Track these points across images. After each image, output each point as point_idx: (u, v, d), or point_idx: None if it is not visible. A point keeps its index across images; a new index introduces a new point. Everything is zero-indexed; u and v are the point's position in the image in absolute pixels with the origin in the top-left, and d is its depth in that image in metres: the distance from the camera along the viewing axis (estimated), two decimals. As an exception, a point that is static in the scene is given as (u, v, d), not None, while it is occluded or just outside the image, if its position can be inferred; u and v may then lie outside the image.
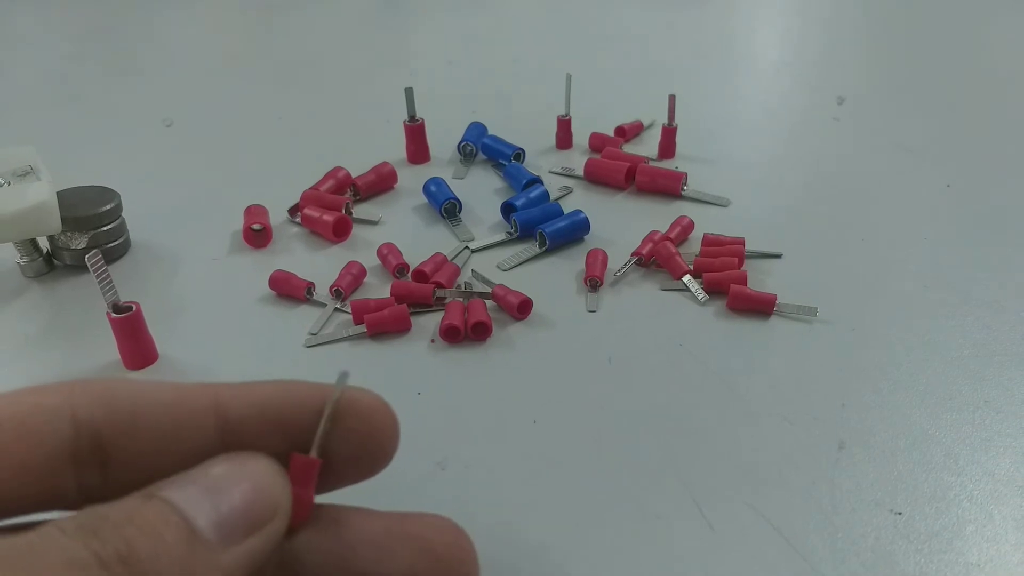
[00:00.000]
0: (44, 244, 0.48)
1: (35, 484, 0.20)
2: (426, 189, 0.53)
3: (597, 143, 0.59)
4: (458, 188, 0.54)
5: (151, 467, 0.20)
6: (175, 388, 0.22)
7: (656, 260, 0.46)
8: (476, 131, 0.60)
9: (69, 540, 0.17)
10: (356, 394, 0.23)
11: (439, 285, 0.44)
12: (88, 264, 0.36)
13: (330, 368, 0.39)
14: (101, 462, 0.21)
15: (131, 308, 0.39)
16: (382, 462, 0.24)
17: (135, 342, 0.39)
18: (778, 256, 0.47)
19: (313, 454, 0.22)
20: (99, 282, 0.37)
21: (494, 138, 0.59)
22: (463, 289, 0.44)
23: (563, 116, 0.60)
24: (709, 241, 0.47)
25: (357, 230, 0.51)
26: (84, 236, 0.47)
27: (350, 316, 0.42)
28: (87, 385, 0.21)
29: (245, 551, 0.20)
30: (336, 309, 0.43)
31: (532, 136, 0.60)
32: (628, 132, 0.61)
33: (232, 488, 0.20)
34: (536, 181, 0.53)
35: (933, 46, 0.81)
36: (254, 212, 0.51)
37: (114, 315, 0.38)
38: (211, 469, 0.20)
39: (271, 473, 0.21)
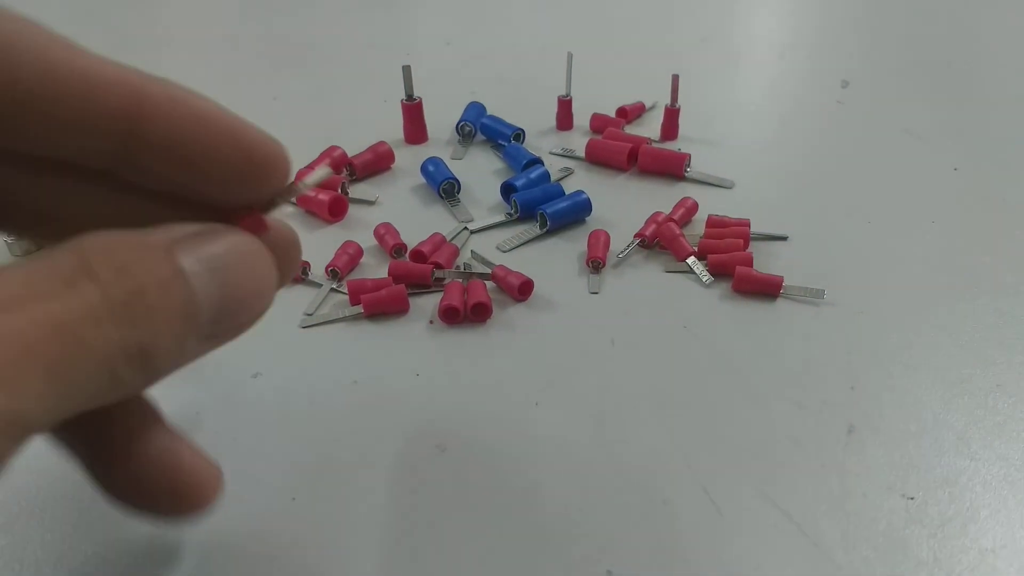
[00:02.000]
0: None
1: None
2: (424, 169, 0.52)
3: (598, 124, 0.58)
4: (457, 168, 0.53)
5: (49, 137, 0.20)
6: (88, 60, 0.20)
7: (660, 241, 0.45)
8: (474, 111, 0.58)
9: (105, 324, 0.18)
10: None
11: (438, 265, 0.43)
12: None
13: (327, 349, 0.39)
14: None
15: None
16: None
17: None
18: (784, 238, 0.46)
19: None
20: None
21: (493, 118, 0.57)
22: (462, 270, 0.43)
23: (564, 96, 0.58)
24: (713, 223, 0.46)
25: (353, 210, 0.50)
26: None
27: (346, 296, 0.41)
28: None
29: (212, 347, 0.21)
30: (332, 289, 0.42)
31: (532, 116, 0.59)
32: (630, 113, 0.60)
33: (244, 295, 0.21)
34: (536, 162, 0.52)
35: (938, 29, 0.80)
36: (248, 191, 0.49)
37: None
38: (228, 255, 0.21)
39: (273, 279, 0.22)
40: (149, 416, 0.23)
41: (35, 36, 0.20)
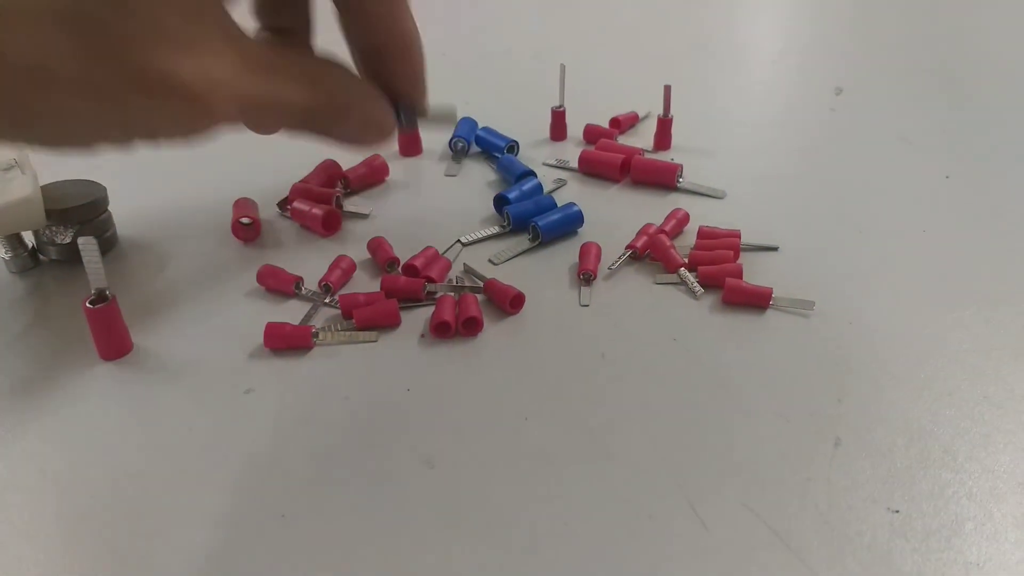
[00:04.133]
0: (29, 239, 0.47)
1: None
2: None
3: (592, 135, 0.59)
4: (451, 182, 0.54)
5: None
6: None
7: (651, 253, 0.45)
8: (466, 127, 0.59)
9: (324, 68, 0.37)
10: None
11: (430, 279, 0.43)
12: (80, 247, 0.36)
13: (318, 365, 0.39)
14: None
15: (107, 298, 0.38)
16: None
17: (109, 332, 0.39)
18: (774, 249, 0.46)
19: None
20: (89, 267, 0.37)
21: (488, 130, 0.58)
22: (454, 283, 0.44)
23: (557, 107, 0.59)
24: (704, 234, 0.46)
25: (347, 224, 0.50)
26: (70, 231, 0.46)
27: (339, 311, 0.42)
28: None
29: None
30: (325, 304, 0.43)
31: (526, 127, 0.59)
32: (623, 123, 0.60)
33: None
34: (530, 174, 0.53)
35: (931, 36, 0.80)
36: (243, 205, 0.50)
37: (90, 307, 0.38)
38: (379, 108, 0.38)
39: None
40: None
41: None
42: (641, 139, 0.59)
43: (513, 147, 0.57)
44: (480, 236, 0.48)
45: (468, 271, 0.45)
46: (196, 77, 0.28)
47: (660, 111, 0.57)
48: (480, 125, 0.59)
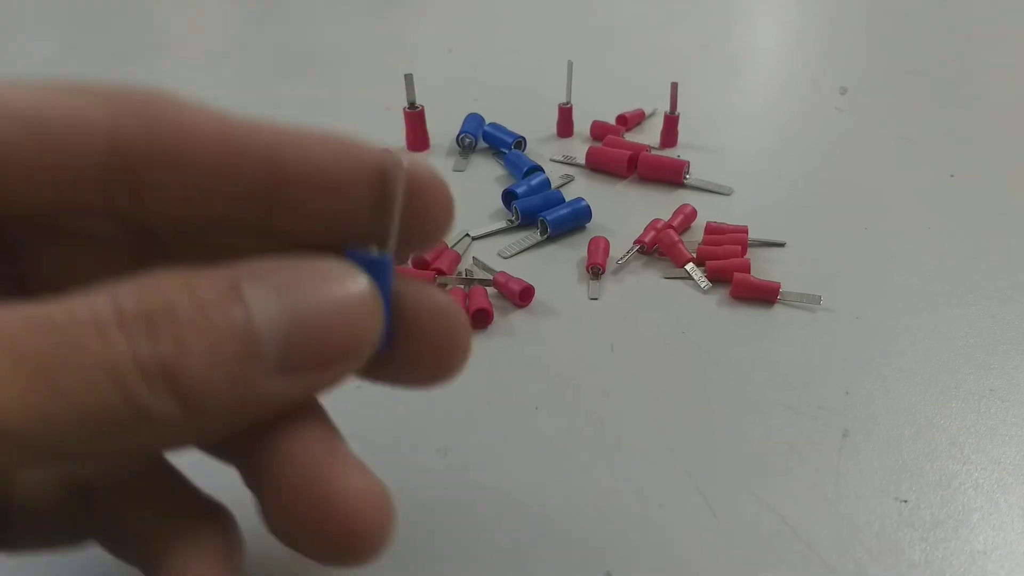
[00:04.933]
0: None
1: (55, 195, 0.18)
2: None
3: (598, 131, 0.59)
4: (458, 177, 0.54)
5: (188, 203, 0.19)
6: (225, 124, 0.19)
7: (659, 248, 0.46)
8: (473, 123, 0.59)
9: (111, 331, 0.15)
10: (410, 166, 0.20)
11: (440, 272, 0.43)
12: None
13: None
14: (133, 188, 0.19)
15: None
16: (436, 237, 0.21)
17: None
18: (781, 245, 0.46)
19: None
20: None
21: (495, 126, 0.58)
22: (464, 276, 0.44)
23: (564, 104, 0.59)
24: (712, 229, 0.47)
25: (357, 217, 0.50)
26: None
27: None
28: (130, 99, 0.19)
29: (304, 383, 0.18)
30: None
31: (533, 124, 0.60)
32: (630, 120, 0.61)
33: (322, 312, 0.18)
34: (537, 169, 0.53)
35: (936, 36, 0.81)
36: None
37: None
38: (302, 276, 0.18)
39: (371, 301, 0.18)
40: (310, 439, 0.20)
41: (168, 101, 0.19)
42: (647, 136, 0.60)
43: (520, 143, 0.57)
44: (489, 230, 0.48)
45: (477, 264, 0.45)
46: None
47: (667, 108, 0.57)
48: (487, 121, 0.59)
